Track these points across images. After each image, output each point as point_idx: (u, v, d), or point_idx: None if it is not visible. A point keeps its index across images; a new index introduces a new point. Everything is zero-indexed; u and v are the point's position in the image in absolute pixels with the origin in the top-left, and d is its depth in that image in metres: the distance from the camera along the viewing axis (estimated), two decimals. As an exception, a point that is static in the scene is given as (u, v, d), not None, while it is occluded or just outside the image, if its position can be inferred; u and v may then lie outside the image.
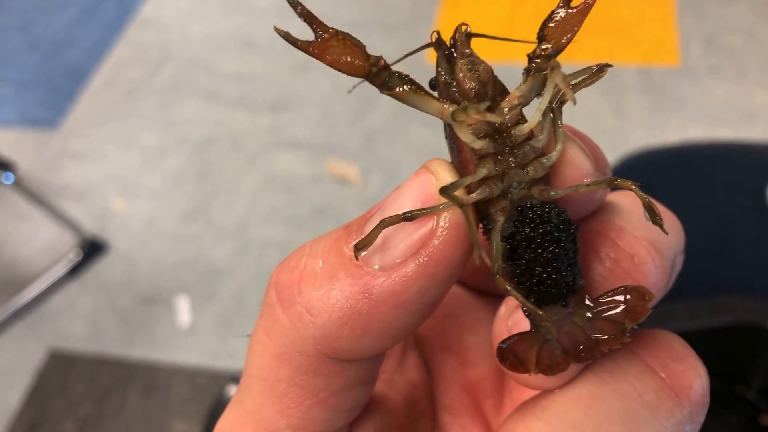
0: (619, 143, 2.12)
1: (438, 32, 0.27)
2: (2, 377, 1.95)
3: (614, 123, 2.20)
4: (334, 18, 2.61)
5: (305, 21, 0.25)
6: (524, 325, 0.27)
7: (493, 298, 0.35)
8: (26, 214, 2.26)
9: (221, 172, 2.32)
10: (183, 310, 1.99)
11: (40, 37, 2.91)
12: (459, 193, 0.24)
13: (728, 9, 2.49)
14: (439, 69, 0.27)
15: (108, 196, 2.31)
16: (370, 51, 0.25)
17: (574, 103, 0.24)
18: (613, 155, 1.63)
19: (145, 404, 1.84)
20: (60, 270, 2.10)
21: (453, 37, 0.27)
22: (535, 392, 0.27)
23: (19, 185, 1.97)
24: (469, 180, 0.25)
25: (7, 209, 2.31)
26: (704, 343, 0.71)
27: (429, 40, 0.27)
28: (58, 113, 2.60)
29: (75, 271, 2.12)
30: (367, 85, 0.26)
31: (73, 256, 2.12)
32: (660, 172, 1.16)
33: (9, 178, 1.92)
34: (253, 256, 2.09)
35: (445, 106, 0.25)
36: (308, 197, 2.19)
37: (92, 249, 2.15)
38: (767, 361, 0.71)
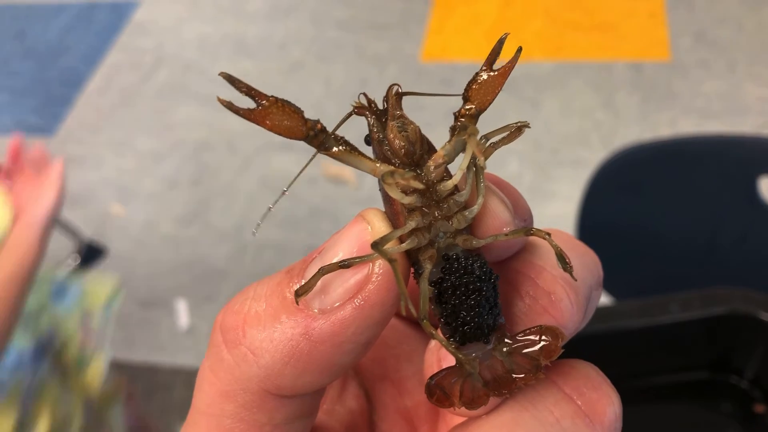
0: (610, 138, 2.14)
1: (365, 94, 0.30)
2: (3, 383, 1.95)
3: (606, 118, 2.21)
4: (326, 17, 2.64)
5: (246, 95, 0.28)
6: (452, 358, 0.29)
7: None
8: (23, 221, 2.27)
9: (217, 174, 2.33)
10: (182, 313, 2.00)
11: (34, 45, 2.92)
12: (392, 243, 0.27)
13: (717, 2, 2.51)
14: (373, 128, 0.30)
15: (105, 201, 2.32)
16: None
17: (484, 169, 0.27)
18: (605, 150, 1.65)
19: (146, 406, 1.84)
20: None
21: (386, 99, 0.29)
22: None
23: (16, 192, 1.98)
24: (399, 233, 0.27)
25: (4, 216, 2.32)
26: (697, 334, 0.73)
27: (356, 102, 0.30)
28: (54, 119, 2.60)
29: (73, 276, 2.12)
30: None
31: (71, 261, 2.13)
32: (651, 167, 1.17)
33: (6, 185, 1.92)
34: (250, 257, 2.10)
35: (377, 165, 0.28)
36: (304, 198, 2.20)
37: (90, 253, 2.15)
38: (759, 350, 0.72)
